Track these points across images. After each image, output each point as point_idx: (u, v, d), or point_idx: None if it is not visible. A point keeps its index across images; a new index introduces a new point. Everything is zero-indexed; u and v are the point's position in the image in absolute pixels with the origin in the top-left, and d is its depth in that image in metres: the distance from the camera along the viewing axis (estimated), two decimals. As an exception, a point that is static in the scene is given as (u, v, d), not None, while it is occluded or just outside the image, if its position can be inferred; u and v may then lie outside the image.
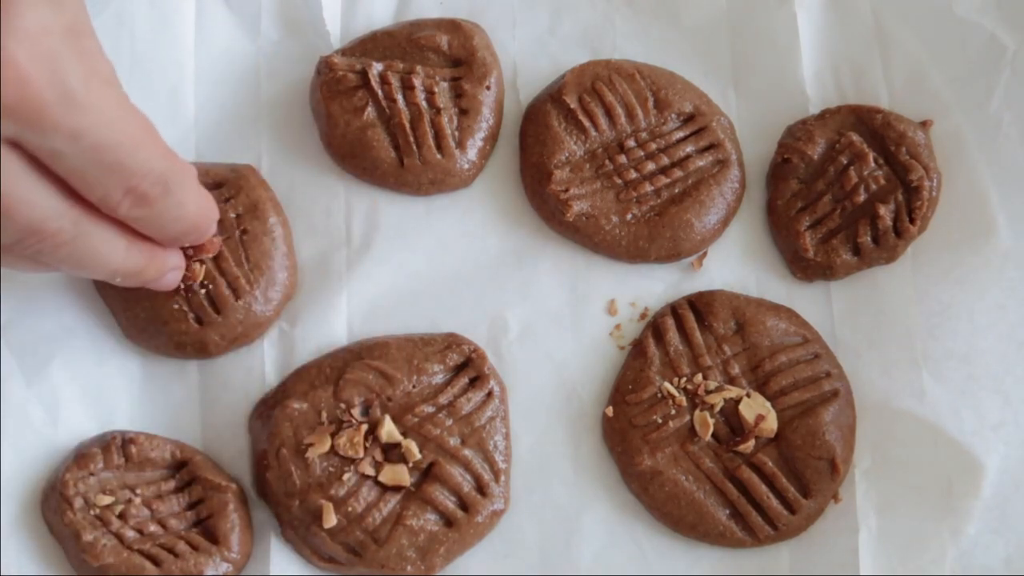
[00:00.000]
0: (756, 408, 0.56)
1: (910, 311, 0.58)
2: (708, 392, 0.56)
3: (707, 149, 0.61)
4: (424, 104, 0.61)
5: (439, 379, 0.57)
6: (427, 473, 0.55)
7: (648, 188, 0.60)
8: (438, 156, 0.60)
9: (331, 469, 0.55)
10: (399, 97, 0.61)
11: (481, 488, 0.56)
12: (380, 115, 0.61)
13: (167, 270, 0.51)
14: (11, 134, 0.40)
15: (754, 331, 0.57)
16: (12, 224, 0.42)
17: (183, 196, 0.47)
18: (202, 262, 0.57)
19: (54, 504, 0.54)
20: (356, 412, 0.56)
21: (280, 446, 0.55)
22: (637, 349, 0.58)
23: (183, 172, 0.47)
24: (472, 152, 0.61)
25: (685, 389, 0.57)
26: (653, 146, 0.60)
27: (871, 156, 0.59)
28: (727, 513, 0.55)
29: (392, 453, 0.56)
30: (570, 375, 0.59)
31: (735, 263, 0.60)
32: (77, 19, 0.42)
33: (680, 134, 0.61)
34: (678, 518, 0.55)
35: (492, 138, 0.62)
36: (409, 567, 0.55)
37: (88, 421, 0.58)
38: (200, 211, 0.49)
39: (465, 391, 0.57)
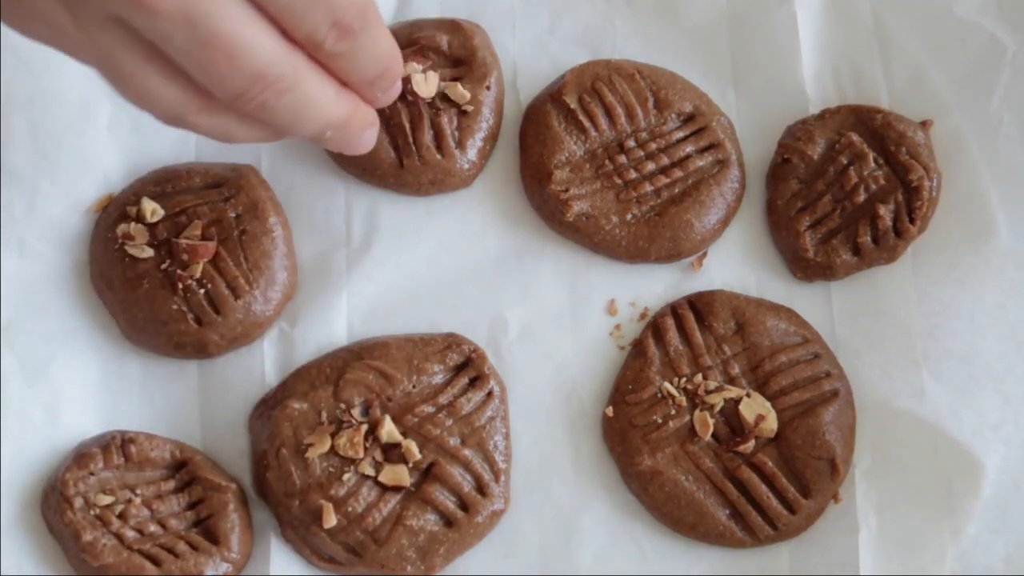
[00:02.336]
0: (756, 408, 0.56)
1: (910, 311, 0.58)
2: (708, 392, 0.56)
3: (707, 149, 0.61)
4: (424, 104, 0.61)
5: (439, 379, 0.57)
6: (427, 473, 0.55)
7: (648, 188, 0.60)
8: (438, 156, 0.60)
9: (331, 469, 0.55)
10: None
11: (481, 488, 0.56)
12: (379, 115, 0.60)
13: (368, 123, 0.50)
14: None
15: (754, 331, 0.57)
16: (240, 69, 0.42)
17: (378, 32, 0.47)
18: (199, 262, 0.58)
19: (54, 504, 0.54)
20: (356, 412, 0.56)
21: (280, 446, 0.55)
22: (637, 349, 0.58)
23: (375, 8, 0.46)
24: (472, 152, 0.61)
25: (685, 389, 0.57)
26: (653, 146, 0.60)
27: (871, 156, 0.59)
28: (727, 513, 0.55)
29: (392, 453, 0.56)
30: (570, 375, 0.59)
31: (735, 263, 0.60)
32: None
33: (680, 134, 0.61)
34: (678, 518, 0.55)
35: (492, 138, 0.62)
36: (409, 567, 0.55)
37: (88, 421, 0.58)
38: (391, 50, 0.48)
39: (465, 391, 0.57)
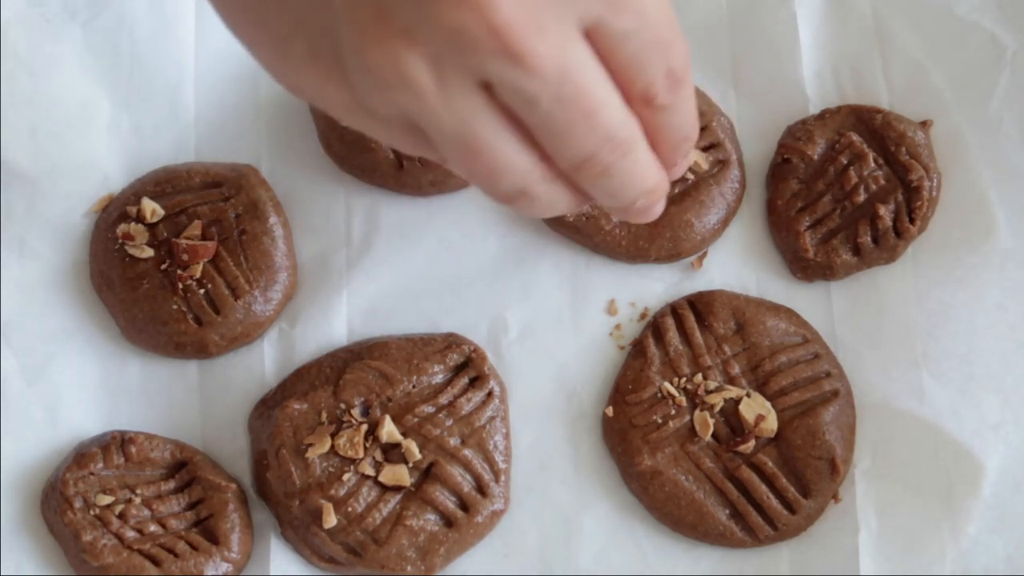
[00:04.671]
0: (756, 408, 0.56)
1: (910, 311, 0.58)
2: (708, 392, 0.56)
3: (707, 149, 0.61)
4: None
5: (439, 379, 0.57)
6: (427, 473, 0.55)
7: (648, 188, 0.60)
8: (438, 156, 0.60)
9: (331, 469, 0.55)
10: (399, 97, 0.61)
11: (481, 488, 0.56)
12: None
13: (665, 192, 0.48)
14: (595, 14, 0.39)
15: (754, 331, 0.57)
16: (595, 128, 0.41)
17: (691, 86, 0.46)
18: (199, 262, 0.58)
19: (54, 504, 0.54)
20: (356, 412, 0.56)
21: (280, 446, 0.55)
22: (637, 349, 0.58)
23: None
24: (472, 152, 0.61)
25: (685, 389, 0.57)
26: (653, 146, 0.60)
27: (871, 156, 0.59)
28: (727, 513, 0.55)
29: (392, 453, 0.56)
30: (570, 375, 0.59)
31: (735, 263, 0.60)
32: None
33: (680, 134, 0.61)
34: (678, 518, 0.55)
35: (492, 138, 0.62)
36: (409, 567, 0.55)
37: (88, 421, 0.58)
38: (695, 111, 0.47)
39: (465, 391, 0.57)
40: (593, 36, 0.40)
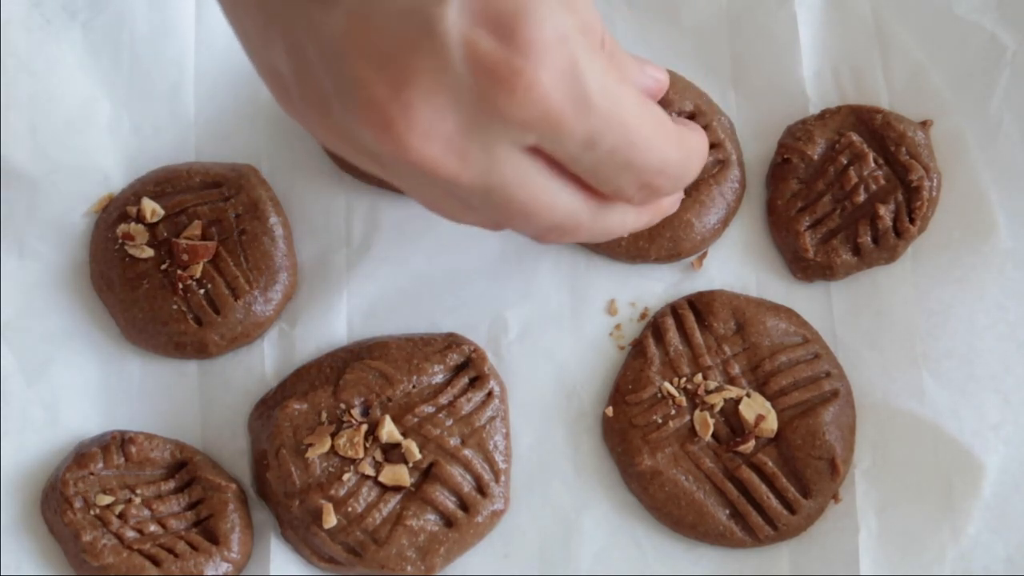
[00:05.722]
0: (756, 408, 0.56)
1: (910, 311, 0.58)
2: (708, 392, 0.56)
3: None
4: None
5: (439, 379, 0.57)
6: (427, 473, 0.55)
7: (648, 188, 0.60)
8: (438, 156, 0.60)
9: (331, 469, 0.55)
10: (399, 97, 0.60)
11: (481, 488, 0.56)
12: (380, 115, 0.60)
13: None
14: (531, 142, 0.41)
15: (754, 331, 0.57)
16: (537, 224, 0.44)
17: (689, 179, 0.48)
18: (199, 262, 0.58)
19: (54, 504, 0.54)
20: (356, 412, 0.56)
21: (280, 446, 0.55)
22: (637, 349, 0.58)
23: (695, 156, 0.47)
24: (472, 152, 0.61)
25: (685, 389, 0.57)
26: (653, 146, 0.60)
27: (871, 156, 0.59)
28: (727, 513, 0.55)
29: (392, 453, 0.56)
30: (570, 375, 0.59)
31: (735, 263, 0.60)
32: (588, 14, 0.41)
33: (680, 134, 0.61)
34: (678, 518, 0.55)
35: (492, 138, 0.62)
36: (409, 567, 0.55)
37: (88, 421, 0.58)
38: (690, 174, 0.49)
39: (465, 391, 0.57)
40: (539, 151, 0.42)
